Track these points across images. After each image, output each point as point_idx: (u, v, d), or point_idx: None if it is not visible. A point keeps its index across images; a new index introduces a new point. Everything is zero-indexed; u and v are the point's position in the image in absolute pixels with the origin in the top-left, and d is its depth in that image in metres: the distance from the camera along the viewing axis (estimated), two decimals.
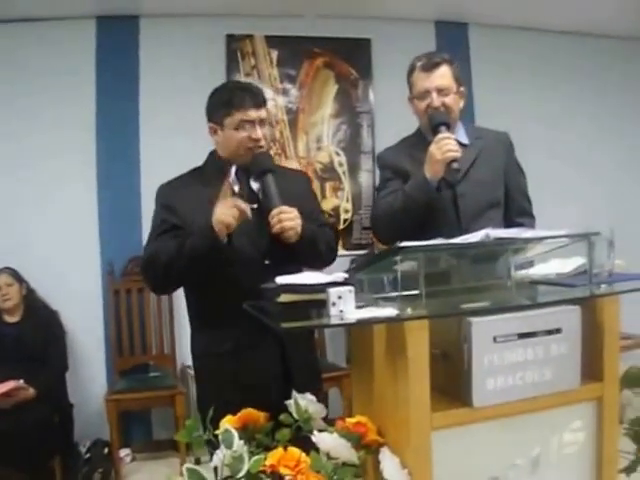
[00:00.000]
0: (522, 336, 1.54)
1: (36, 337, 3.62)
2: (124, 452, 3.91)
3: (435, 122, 2.19)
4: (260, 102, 2.09)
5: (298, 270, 1.81)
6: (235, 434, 1.57)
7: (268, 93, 4.28)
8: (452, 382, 1.55)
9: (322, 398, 2.11)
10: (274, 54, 4.32)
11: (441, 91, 2.22)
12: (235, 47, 4.24)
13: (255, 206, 2.02)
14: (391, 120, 4.45)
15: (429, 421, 1.46)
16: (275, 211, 1.97)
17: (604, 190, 4.93)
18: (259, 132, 2.06)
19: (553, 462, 1.61)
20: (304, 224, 2.01)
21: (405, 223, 2.13)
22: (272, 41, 4.31)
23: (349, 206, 4.51)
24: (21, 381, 3.34)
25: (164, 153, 4.06)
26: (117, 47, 4.14)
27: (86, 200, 4.08)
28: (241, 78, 4.21)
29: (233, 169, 2.08)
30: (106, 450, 3.72)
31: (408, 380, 1.45)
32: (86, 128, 4.08)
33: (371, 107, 4.57)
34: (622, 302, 1.68)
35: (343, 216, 4.50)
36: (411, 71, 2.30)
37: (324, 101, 4.47)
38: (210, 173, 2.13)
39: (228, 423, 1.66)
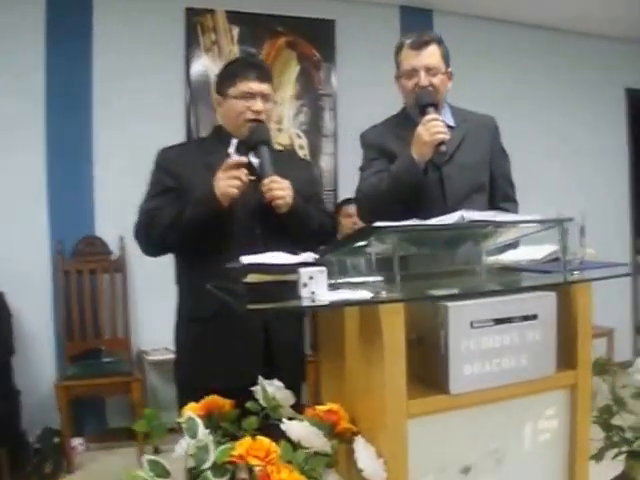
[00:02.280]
0: (498, 322, 1.51)
1: None
2: (76, 441, 3.75)
3: (423, 102, 2.13)
4: (264, 77, 2.14)
5: (288, 245, 1.73)
6: (199, 422, 1.50)
7: None
8: (427, 368, 1.50)
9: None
10: (235, 31, 4.19)
11: (429, 70, 2.17)
12: (195, 21, 4.10)
13: (253, 178, 2.05)
14: (354, 103, 4.45)
15: (405, 409, 1.41)
16: (266, 180, 2.01)
17: (573, 181, 5.00)
18: (260, 105, 2.10)
19: (527, 450, 1.59)
20: (297, 199, 2.04)
21: (391, 204, 2.07)
22: (234, 17, 4.18)
23: None
24: None
25: (119, 129, 3.94)
26: (68, 19, 3.93)
27: (35, 175, 3.88)
28: (201, 54, 4.08)
29: (234, 142, 2.13)
30: (57, 439, 3.56)
31: (383, 366, 1.39)
32: (35, 100, 3.87)
33: (334, 90, 4.50)
34: None
35: None
36: (399, 49, 2.24)
37: (285, 82, 4.37)
38: (212, 143, 2.20)
39: (191, 410, 1.59)
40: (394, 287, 1.45)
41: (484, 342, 1.48)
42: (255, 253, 1.81)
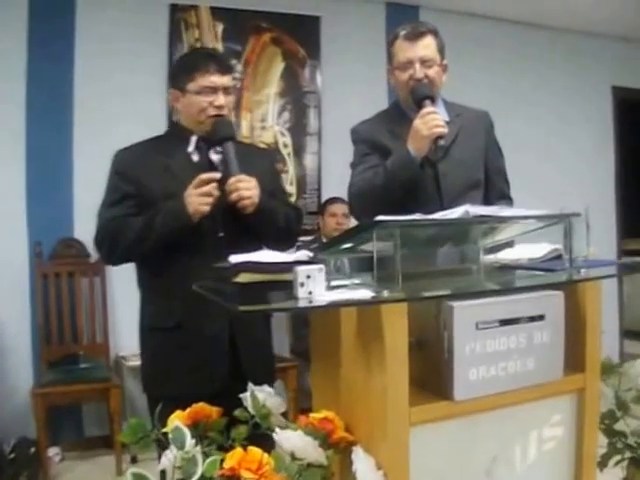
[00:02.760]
0: (504, 323, 1.42)
1: None
2: (53, 451, 3.62)
3: (419, 95, 2.06)
4: (225, 69, 2.04)
5: (254, 247, 1.65)
6: (187, 432, 1.40)
7: None
8: (429, 373, 1.41)
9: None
10: (219, 27, 4.10)
11: (425, 62, 2.10)
12: (179, 17, 3.99)
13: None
14: (338, 101, 4.38)
15: (407, 416, 1.32)
16: (232, 179, 1.92)
17: (559, 179, 4.96)
18: (222, 99, 2.01)
19: (532, 458, 1.51)
20: (263, 197, 1.96)
21: (385, 201, 1.99)
22: (218, 13, 4.08)
23: (293, 190, 4.35)
24: None
25: (99, 130, 3.81)
26: (51, 20, 3.82)
27: (13, 177, 3.75)
28: (185, 50, 3.96)
29: (193, 139, 2.04)
30: (33, 449, 3.42)
31: (385, 371, 1.30)
32: (16, 102, 3.76)
33: (318, 87, 4.42)
34: None
35: None
36: (393, 40, 2.17)
37: (270, 79, 4.28)
38: (170, 142, 2.08)
39: (177, 419, 1.49)
40: (394, 286, 1.36)
41: (490, 344, 1.40)
42: (219, 257, 1.75)
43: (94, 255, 3.79)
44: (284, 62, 4.30)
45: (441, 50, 2.17)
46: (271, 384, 1.98)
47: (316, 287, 1.33)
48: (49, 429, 3.51)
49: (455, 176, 2.13)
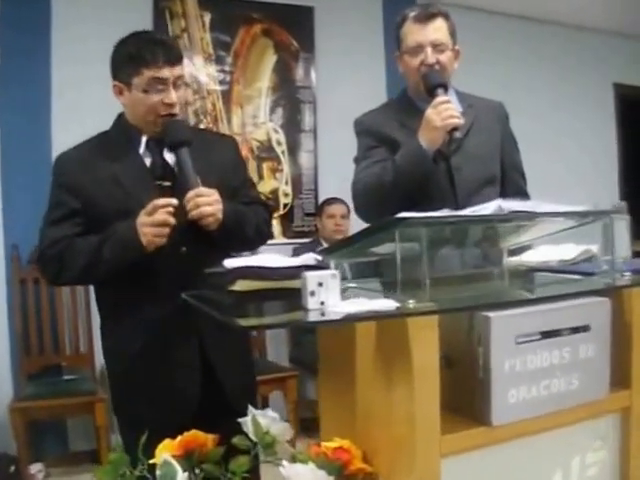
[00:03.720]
0: (546, 335, 1.23)
1: None
2: (36, 468, 3.38)
3: (431, 83, 1.89)
4: (175, 58, 1.76)
5: (221, 259, 1.43)
6: (178, 468, 1.20)
7: (199, 60, 3.87)
8: (460, 395, 1.22)
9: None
10: (207, 17, 3.87)
11: (436, 46, 1.94)
12: (163, 6, 3.75)
13: (169, 184, 1.73)
14: (335, 97, 4.19)
15: (438, 446, 1.13)
16: (191, 194, 1.68)
17: (562, 175, 4.81)
18: (173, 95, 1.74)
19: None
20: (226, 208, 1.74)
21: (394, 198, 1.82)
22: (205, 2, 3.85)
23: (289, 189, 4.13)
24: None
25: (78, 126, 3.52)
26: (25, 3, 3.58)
27: None
28: None
29: (143, 139, 1.80)
30: (13, 468, 3.20)
31: (412, 394, 1.11)
32: None
33: (313, 82, 4.21)
34: None
35: (283, 200, 4.11)
36: (401, 23, 2.01)
37: (262, 72, 4.06)
38: (117, 143, 1.83)
39: (166, 450, 1.29)
40: (420, 295, 1.16)
41: (531, 361, 1.21)
42: (183, 274, 1.70)
43: None
44: (276, 55, 4.08)
45: (453, 34, 2.02)
46: (253, 401, 1.78)
47: (329, 296, 1.14)
48: (31, 444, 3.31)
49: (470, 171, 1.96)
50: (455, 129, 1.82)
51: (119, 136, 1.85)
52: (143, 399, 1.79)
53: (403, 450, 1.15)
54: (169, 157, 1.81)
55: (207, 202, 1.69)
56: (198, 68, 3.85)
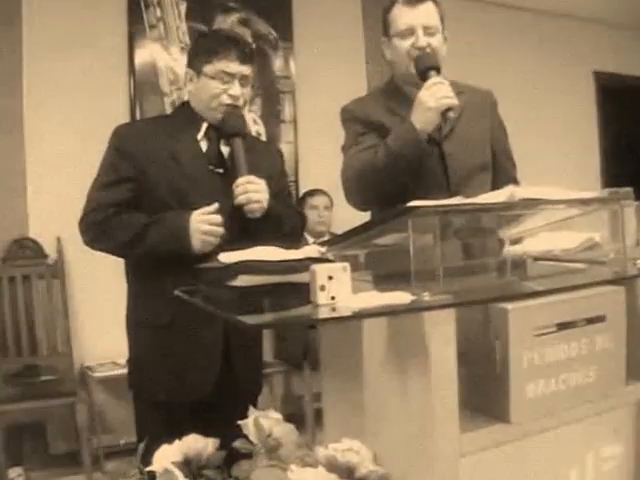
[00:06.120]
0: (562, 327, 1.18)
1: None
2: (15, 472, 3.28)
3: (424, 65, 1.84)
4: (246, 57, 1.90)
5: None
6: (178, 475, 1.13)
7: (175, 50, 3.75)
8: (476, 391, 1.16)
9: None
10: (183, 6, 3.75)
11: (427, 29, 1.89)
12: None
13: (221, 170, 1.88)
14: (314, 86, 4.13)
15: (458, 445, 1.07)
16: (241, 180, 1.81)
17: (541, 164, 4.78)
18: (237, 89, 1.87)
19: None
20: (271, 201, 1.86)
21: (387, 184, 1.77)
22: None
23: None
24: None
25: (52, 116, 3.48)
26: None
27: None
28: (145, 31, 3.65)
29: (204, 126, 1.91)
30: None
31: (429, 391, 1.06)
32: None
33: (292, 71, 4.13)
34: None
35: None
36: (390, 7, 1.95)
37: None
38: (178, 124, 1.94)
39: (166, 455, 1.22)
40: (433, 287, 1.10)
41: (549, 354, 1.16)
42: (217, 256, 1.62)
43: (52, 255, 3.47)
44: (254, 44, 3.98)
45: (442, 19, 1.97)
46: (259, 393, 2.01)
47: (340, 291, 1.07)
48: (9, 447, 3.21)
49: (462, 157, 1.92)
50: (449, 109, 1.77)
51: (180, 119, 1.96)
52: (163, 372, 1.85)
53: (419, 451, 1.10)
54: (224, 149, 1.91)
55: (256, 189, 1.80)
56: (175, 58, 3.74)
